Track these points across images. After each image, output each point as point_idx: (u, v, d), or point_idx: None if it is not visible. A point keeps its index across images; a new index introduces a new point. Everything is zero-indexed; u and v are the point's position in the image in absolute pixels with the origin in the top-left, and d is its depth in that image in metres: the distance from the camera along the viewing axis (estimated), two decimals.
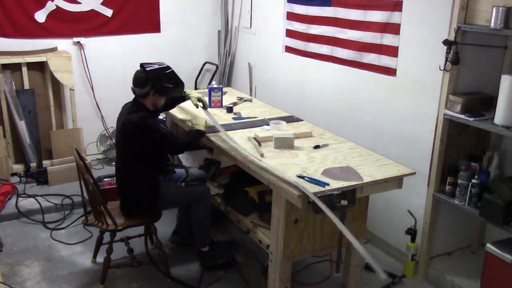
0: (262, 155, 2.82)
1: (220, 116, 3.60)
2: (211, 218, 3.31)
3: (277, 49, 4.67)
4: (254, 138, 3.04)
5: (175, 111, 3.69)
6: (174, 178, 3.35)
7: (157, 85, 2.95)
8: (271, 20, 4.73)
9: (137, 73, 2.99)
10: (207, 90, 3.94)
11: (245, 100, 4.04)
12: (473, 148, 3.17)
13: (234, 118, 3.56)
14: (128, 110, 3.01)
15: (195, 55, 5.50)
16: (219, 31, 5.54)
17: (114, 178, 4.15)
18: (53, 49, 4.62)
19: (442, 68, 2.95)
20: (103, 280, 3.09)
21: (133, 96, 3.06)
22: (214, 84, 3.93)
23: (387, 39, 3.42)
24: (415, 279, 3.31)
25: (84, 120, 4.85)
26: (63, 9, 4.66)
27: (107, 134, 4.91)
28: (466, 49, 2.90)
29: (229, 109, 3.69)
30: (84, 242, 3.65)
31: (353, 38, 3.72)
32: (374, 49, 3.55)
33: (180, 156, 3.86)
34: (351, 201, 2.46)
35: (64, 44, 4.76)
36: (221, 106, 3.84)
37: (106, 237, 3.20)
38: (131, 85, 3.00)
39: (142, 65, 3.02)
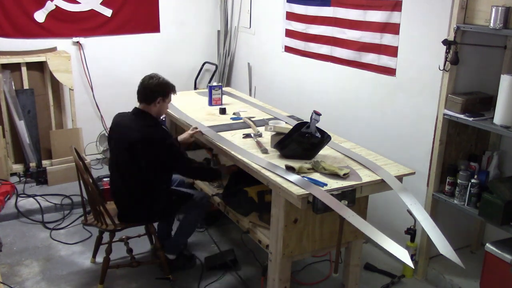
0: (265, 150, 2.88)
1: (219, 116, 3.61)
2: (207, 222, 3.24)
3: (277, 49, 4.67)
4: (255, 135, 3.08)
5: (173, 110, 3.68)
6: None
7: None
8: (270, 20, 4.73)
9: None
10: (207, 89, 3.95)
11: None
12: (472, 148, 3.17)
13: (233, 119, 3.55)
14: (137, 122, 2.97)
15: (194, 55, 5.50)
16: (218, 31, 5.54)
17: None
18: (53, 49, 4.62)
19: (441, 68, 2.95)
20: (102, 280, 3.09)
21: (133, 96, 3.05)
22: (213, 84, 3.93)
23: (387, 39, 3.42)
24: (415, 279, 3.31)
25: (83, 120, 4.85)
26: (62, 9, 4.66)
27: (106, 134, 4.91)
28: (465, 49, 2.90)
29: (222, 111, 3.69)
30: (83, 242, 3.65)
31: (353, 38, 3.72)
32: (373, 49, 3.55)
33: None
34: (351, 201, 2.45)
35: (63, 44, 4.76)
36: (221, 104, 3.84)
37: (106, 237, 3.20)
38: (135, 95, 3.02)
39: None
